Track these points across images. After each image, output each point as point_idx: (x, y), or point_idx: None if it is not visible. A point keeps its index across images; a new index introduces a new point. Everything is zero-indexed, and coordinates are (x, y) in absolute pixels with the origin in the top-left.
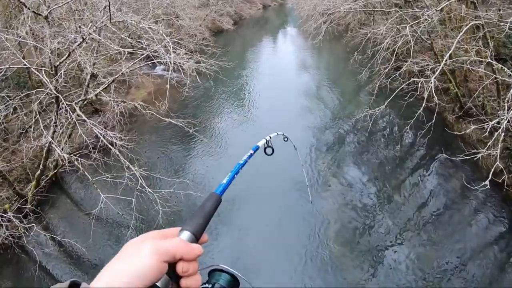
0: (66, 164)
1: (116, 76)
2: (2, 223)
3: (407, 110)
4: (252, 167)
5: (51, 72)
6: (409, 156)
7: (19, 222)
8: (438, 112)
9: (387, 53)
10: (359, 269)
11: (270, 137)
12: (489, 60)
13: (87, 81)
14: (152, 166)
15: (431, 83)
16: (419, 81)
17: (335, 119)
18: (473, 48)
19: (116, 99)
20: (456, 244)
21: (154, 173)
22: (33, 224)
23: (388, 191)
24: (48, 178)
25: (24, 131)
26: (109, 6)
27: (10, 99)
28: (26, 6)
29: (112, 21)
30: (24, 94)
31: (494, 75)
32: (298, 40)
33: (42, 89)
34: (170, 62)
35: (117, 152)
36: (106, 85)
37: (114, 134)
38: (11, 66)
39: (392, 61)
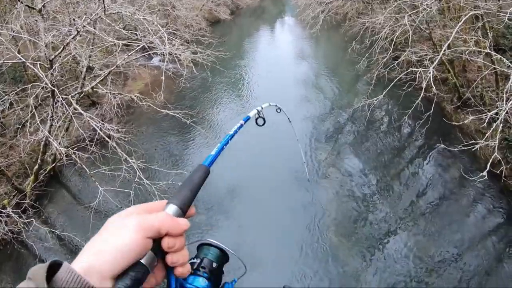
0: (64, 158)
1: (111, 69)
2: (1, 218)
3: (405, 100)
4: (247, 144)
5: (46, 66)
6: (407, 146)
7: (18, 217)
8: (436, 102)
9: (385, 43)
10: (356, 258)
11: (262, 107)
12: (488, 51)
13: (83, 74)
14: (150, 158)
15: (430, 73)
16: (418, 71)
17: (333, 109)
18: (472, 38)
19: (112, 91)
20: (453, 234)
21: (152, 165)
22: (32, 219)
23: (386, 181)
24: (46, 172)
25: (21, 126)
26: None
27: (6, 94)
28: (19, 0)
29: (106, 12)
30: (20, 88)
31: (493, 66)
32: (295, 29)
33: (38, 83)
34: (165, 53)
35: (114, 145)
36: (102, 77)
37: (111, 126)
38: (5, 61)
39: (391, 51)
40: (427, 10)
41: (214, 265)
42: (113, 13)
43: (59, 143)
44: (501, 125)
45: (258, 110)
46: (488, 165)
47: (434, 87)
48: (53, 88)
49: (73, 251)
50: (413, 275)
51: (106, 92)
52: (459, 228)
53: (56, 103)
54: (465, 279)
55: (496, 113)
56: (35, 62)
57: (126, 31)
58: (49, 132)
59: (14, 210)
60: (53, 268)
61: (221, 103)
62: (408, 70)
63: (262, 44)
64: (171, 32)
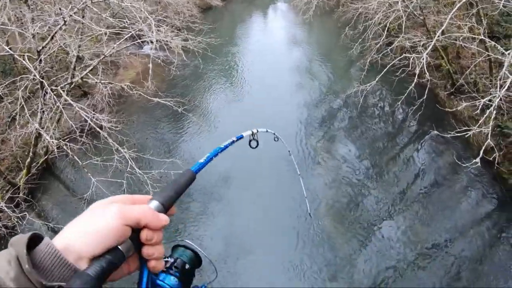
0: (55, 150)
1: (100, 58)
2: None
3: (399, 86)
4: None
5: (35, 58)
6: (400, 132)
7: (11, 212)
8: (429, 89)
9: (378, 28)
10: (350, 243)
11: (258, 130)
12: (482, 37)
13: (72, 64)
14: (142, 148)
15: (423, 59)
16: (411, 57)
17: (326, 95)
18: (466, 25)
19: (102, 81)
20: (446, 220)
21: (144, 154)
22: (26, 213)
23: (379, 167)
24: (39, 165)
25: (11, 119)
26: None
27: None
28: None
29: (94, 1)
30: (10, 81)
31: (487, 53)
32: (288, 15)
33: (27, 75)
34: (153, 40)
35: (105, 135)
36: (91, 67)
37: (102, 117)
38: None
39: (384, 37)
40: None
41: (187, 266)
42: (101, 1)
43: (51, 135)
44: (495, 112)
45: (253, 132)
46: (481, 152)
47: (428, 73)
48: (41, 80)
49: None
50: (406, 260)
51: (97, 82)
52: (452, 214)
53: (45, 94)
54: (457, 265)
55: (490, 100)
56: (23, 54)
57: (114, 19)
58: (40, 124)
59: (7, 205)
60: (34, 241)
61: (213, 91)
62: (402, 56)
63: (255, 30)
64: (160, 19)
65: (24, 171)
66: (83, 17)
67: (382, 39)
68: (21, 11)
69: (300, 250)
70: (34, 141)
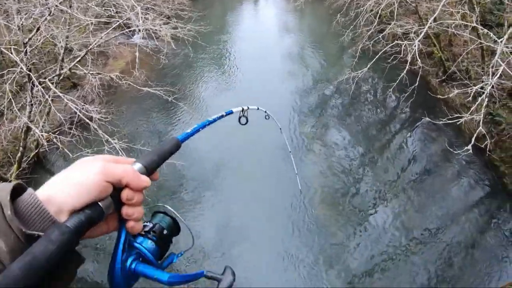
0: (45, 144)
1: (88, 49)
2: None
3: (390, 73)
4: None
5: (21, 50)
6: (392, 119)
7: None
8: (421, 76)
9: (370, 15)
10: (342, 230)
11: (248, 107)
12: (475, 25)
13: (61, 56)
14: (132, 138)
15: (415, 46)
16: (403, 44)
17: (317, 82)
18: (459, 12)
19: (91, 72)
20: (438, 207)
21: (135, 144)
22: None
23: (371, 154)
24: (30, 159)
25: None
26: None
27: None
28: None
29: None
30: None
31: (479, 40)
32: (279, 2)
33: (15, 69)
34: (140, 29)
35: (95, 126)
36: (79, 58)
37: (92, 108)
38: None
39: (376, 24)
40: None
41: (165, 232)
42: None
43: (41, 129)
44: (486, 99)
45: (243, 109)
46: (473, 139)
47: (420, 61)
48: (28, 72)
49: None
50: (398, 246)
51: (85, 73)
52: (443, 201)
53: (32, 87)
54: (449, 250)
55: (482, 87)
56: (10, 46)
57: (100, 8)
58: (29, 118)
59: None
60: (18, 191)
61: (205, 79)
62: (393, 43)
63: (245, 17)
64: (149, 8)
65: (15, 165)
66: (70, 7)
67: (373, 26)
68: (5, 3)
69: (293, 234)
70: (23, 135)
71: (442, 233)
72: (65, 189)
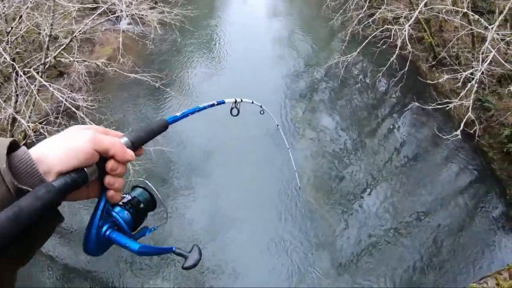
0: (32, 134)
1: (73, 36)
2: None
3: (380, 58)
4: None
5: (3, 39)
6: (382, 104)
7: None
8: (411, 61)
9: (360, 0)
10: (332, 215)
11: (242, 100)
12: (466, 11)
13: (46, 44)
14: (120, 125)
15: (405, 31)
16: (393, 29)
17: (307, 66)
18: None
19: (77, 59)
20: (427, 192)
21: (122, 131)
22: None
23: (360, 139)
24: None
25: None
26: None
27: None
28: None
29: None
30: None
31: (470, 27)
32: None
33: None
34: (125, 14)
35: (82, 115)
36: (64, 46)
37: (78, 96)
38: None
39: (366, 7)
40: None
41: (142, 206)
42: None
43: (28, 119)
44: (476, 85)
45: (236, 101)
46: (462, 125)
47: (410, 46)
48: (11, 62)
49: None
50: (388, 230)
51: (71, 61)
52: (432, 186)
53: (20, 76)
54: (437, 234)
55: (472, 73)
56: None
57: None
58: (15, 108)
59: None
60: (13, 147)
61: (193, 65)
62: (383, 28)
63: (234, 1)
64: None
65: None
66: None
67: (364, 10)
68: None
69: (282, 218)
70: (10, 126)
71: (430, 218)
72: (56, 152)
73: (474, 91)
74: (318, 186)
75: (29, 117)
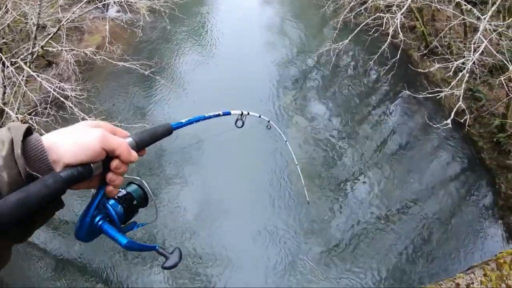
0: None
1: (60, 24)
2: None
3: (372, 46)
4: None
5: None
6: (373, 92)
7: None
8: (403, 49)
9: None
10: (323, 203)
11: (249, 113)
12: (459, 0)
13: (33, 34)
14: (110, 114)
15: (397, 19)
16: (385, 17)
17: (298, 53)
18: None
19: (65, 48)
20: (417, 180)
21: (112, 121)
22: None
23: (351, 127)
24: None
25: None
26: None
27: None
28: None
29: None
30: None
31: (463, 16)
32: None
33: None
34: (113, 1)
35: (70, 105)
36: (51, 35)
37: (67, 86)
38: None
39: None
40: None
41: (135, 202)
42: None
43: (16, 111)
44: (467, 75)
45: (242, 113)
46: (453, 114)
47: (401, 34)
48: None
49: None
50: (378, 218)
51: (59, 50)
52: (422, 174)
53: (4, 68)
54: (426, 223)
55: (463, 63)
56: None
57: None
58: (2, 100)
59: None
60: (27, 132)
61: (183, 53)
62: (375, 16)
63: None
64: None
65: None
66: None
67: None
68: None
69: (273, 206)
70: None
71: (420, 206)
72: (67, 145)
73: (465, 80)
74: (308, 172)
75: (18, 108)
